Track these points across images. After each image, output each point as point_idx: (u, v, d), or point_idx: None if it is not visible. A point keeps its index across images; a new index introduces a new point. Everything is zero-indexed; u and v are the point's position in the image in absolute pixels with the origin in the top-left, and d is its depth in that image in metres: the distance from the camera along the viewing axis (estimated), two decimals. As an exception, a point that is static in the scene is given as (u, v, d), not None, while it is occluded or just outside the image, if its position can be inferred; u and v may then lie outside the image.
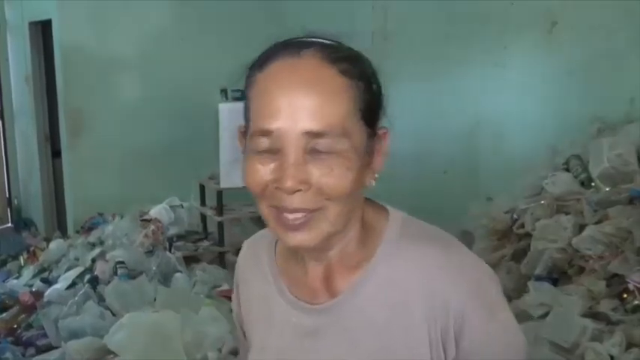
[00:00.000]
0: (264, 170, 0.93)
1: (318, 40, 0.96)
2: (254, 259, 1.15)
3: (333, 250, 1.01)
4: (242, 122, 1.00)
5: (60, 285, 4.57)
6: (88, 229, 5.55)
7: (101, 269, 4.60)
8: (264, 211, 0.97)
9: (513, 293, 3.10)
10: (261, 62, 0.96)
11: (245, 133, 0.99)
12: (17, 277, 5.20)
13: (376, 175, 0.99)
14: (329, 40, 0.96)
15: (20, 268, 5.43)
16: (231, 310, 4.02)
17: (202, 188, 5.46)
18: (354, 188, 0.94)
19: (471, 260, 1.01)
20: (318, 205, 0.93)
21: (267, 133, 0.91)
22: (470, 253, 1.03)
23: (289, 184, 0.90)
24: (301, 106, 0.89)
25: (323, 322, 1.02)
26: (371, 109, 0.96)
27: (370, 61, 0.99)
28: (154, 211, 5.33)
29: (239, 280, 1.19)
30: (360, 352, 0.99)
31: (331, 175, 0.91)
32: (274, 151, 0.92)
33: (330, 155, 0.91)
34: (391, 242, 1.01)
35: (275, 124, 0.90)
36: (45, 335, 4.13)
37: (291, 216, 0.93)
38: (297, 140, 0.90)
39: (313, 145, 0.90)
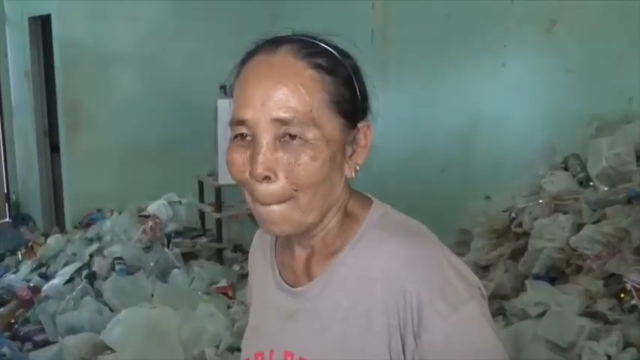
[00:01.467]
0: (241, 159, 0.99)
1: (297, 37, 1.02)
2: (261, 246, 1.21)
3: (315, 237, 1.06)
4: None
5: (58, 280, 4.58)
6: (86, 224, 5.56)
7: (99, 265, 4.61)
8: (247, 200, 1.03)
9: (511, 292, 3.11)
10: (244, 58, 1.03)
11: None
12: (15, 272, 5.20)
13: (357, 168, 1.04)
14: (309, 37, 1.02)
15: (18, 263, 5.43)
16: (228, 307, 4.01)
17: (201, 185, 5.46)
18: (322, 178, 0.98)
19: (439, 254, 1.01)
20: (289, 195, 0.98)
21: (241, 122, 0.98)
22: (442, 248, 1.03)
23: (258, 170, 0.96)
24: (271, 96, 0.96)
25: (299, 306, 1.07)
26: (348, 102, 1.00)
27: (353, 58, 1.04)
28: (152, 208, 5.33)
29: (250, 265, 1.26)
30: (324, 337, 1.02)
31: (297, 164, 0.96)
32: (249, 140, 0.98)
33: (299, 144, 0.96)
34: (365, 232, 1.04)
35: (248, 113, 0.97)
36: (42, 330, 4.13)
37: (265, 209, 0.99)
38: (267, 128, 0.96)
39: (283, 132, 0.96)
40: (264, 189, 0.97)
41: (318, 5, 5.40)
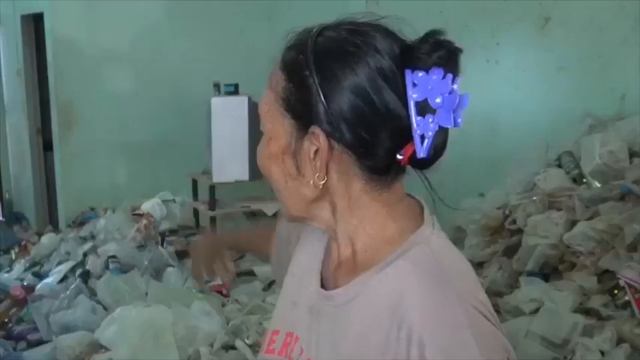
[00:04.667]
0: None
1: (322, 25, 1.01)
2: (314, 232, 1.12)
3: (337, 241, 1.01)
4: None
5: (51, 279, 4.57)
6: (79, 223, 5.54)
7: (93, 263, 4.59)
8: None
9: (505, 289, 3.12)
10: None
11: None
12: (8, 271, 5.18)
13: (310, 182, 0.95)
14: (330, 24, 1.00)
15: (12, 262, 5.41)
16: (223, 305, 3.99)
17: (195, 183, 5.45)
18: (265, 171, 1.02)
19: (465, 322, 0.88)
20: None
21: None
22: (474, 313, 0.90)
23: None
24: None
25: (323, 308, 1.02)
26: (297, 100, 0.94)
27: (324, 52, 0.93)
28: (146, 206, 5.32)
29: (299, 235, 1.18)
30: (337, 352, 0.98)
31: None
32: None
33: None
34: (397, 258, 0.95)
35: None
36: (36, 329, 4.12)
37: None
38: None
39: None
40: None
41: (313, 4, 5.39)
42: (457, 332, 0.87)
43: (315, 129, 0.93)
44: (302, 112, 0.94)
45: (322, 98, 0.91)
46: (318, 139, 0.93)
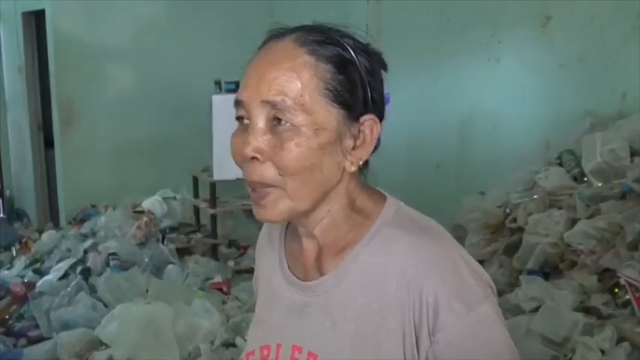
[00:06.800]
0: (238, 143, 1.00)
1: (310, 26, 1.02)
2: (270, 236, 1.18)
3: (316, 228, 1.05)
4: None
5: (52, 276, 4.57)
6: (80, 220, 5.54)
7: (93, 261, 4.60)
8: (247, 184, 1.03)
9: (505, 287, 3.12)
10: (260, 46, 1.05)
11: None
12: (9, 268, 5.19)
13: (360, 162, 1.02)
14: (323, 27, 1.02)
15: (12, 259, 5.42)
16: (223, 303, 4.01)
17: (195, 180, 5.45)
18: (308, 166, 0.97)
19: (454, 253, 1.01)
20: (275, 181, 0.98)
21: (239, 102, 1.01)
22: (457, 246, 1.04)
23: (246, 150, 0.97)
24: (263, 78, 0.97)
25: (310, 300, 1.05)
26: (350, 94, 0.99)
27: (374, 54, 1.04)
28: (147, 203, 5.32)
29: (256, 256, 1.24)
30: (336, 333, 1.01)
31: (282, 148, 0.96)
32: (247, 124, 1.00)
33: (286, 129, 0.96)
34: (379, 229, 1.03)
35: (244, 95, 1.00)
36: (37, 326, 4.12)
37: (256, 192, 1.00)
38: (258, 110, 0.98)
39: (272, 116, 0.97)
40: (250, 167, 0.98)
41: (313, 2, 5.39)
42: (457, 272, 0.98)
43: (371, 116, 1.02)
44: (352, 103, 1.00)
45: (373, 91, 1.02)
46: (378, 126, 1.02)
